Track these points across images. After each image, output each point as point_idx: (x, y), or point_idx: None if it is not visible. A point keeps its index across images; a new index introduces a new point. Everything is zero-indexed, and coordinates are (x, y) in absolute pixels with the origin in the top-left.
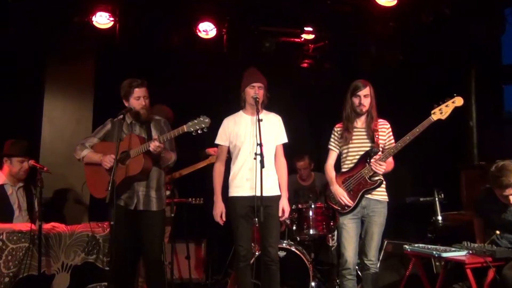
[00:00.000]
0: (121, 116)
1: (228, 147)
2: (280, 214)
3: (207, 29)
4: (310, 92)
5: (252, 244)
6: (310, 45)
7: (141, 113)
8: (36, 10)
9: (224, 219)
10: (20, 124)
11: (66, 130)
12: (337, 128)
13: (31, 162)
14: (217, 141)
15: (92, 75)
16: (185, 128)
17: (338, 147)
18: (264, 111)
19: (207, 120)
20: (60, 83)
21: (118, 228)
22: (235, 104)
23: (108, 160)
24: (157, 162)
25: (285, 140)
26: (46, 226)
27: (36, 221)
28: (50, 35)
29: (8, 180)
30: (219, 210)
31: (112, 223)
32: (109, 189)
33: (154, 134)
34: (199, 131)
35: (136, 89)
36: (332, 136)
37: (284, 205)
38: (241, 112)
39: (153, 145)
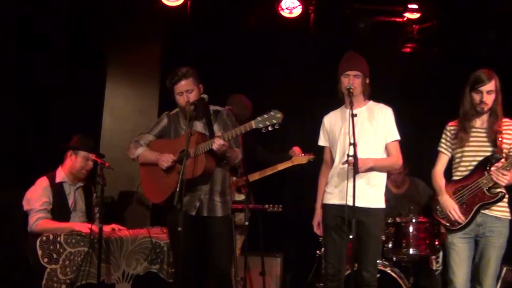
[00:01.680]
0: (192, 107)
1: (330, 148)
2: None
3: (291, 7)
4: (413, 81)
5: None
6: (414, 25)
7: (186, 109)
8: None
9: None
10: (79, 114)
11: (129, 121)
12: (450, 127)
13: (92, 156)
14: (319, 143)
15: (158, 59)
16: (253, 124)
17: (450, 150)
18: (370, 102)
19: (279, 115)
20: (123, 68)
21: (184, 236)
22: (322, 94)
23: (166, 160)
24: (221, 162)
25: (397, 137)
26: (107, 228)
27: (95, 223)
28: (111, 15)
29: (68, 178)
30: (316, 219)
31: (179, 229)
32: (177, 189)
33: (217, 129)
34: (269, 128)
35: (176, 85)
36: (444, 136)
37: (364, 160)
38: (342, 107)
39: (217, 144)
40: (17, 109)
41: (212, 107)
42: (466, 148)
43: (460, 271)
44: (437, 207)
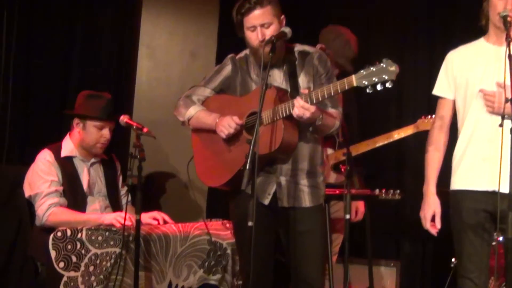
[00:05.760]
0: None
1: (454, 101)
2: None
3: None
4: None
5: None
6: None
7: (260, 52)
8: None
9: (439, 226)
10: (104, 58)
11: (175, 68)
12: None
13: (124, 118)
14: (435, 91)
15: None
16: (353, 80)
17: None
18: None
19: (392, 68)
20: None
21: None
22: (463, 32)
23: (227, 125)
24: (308, 131)
25: None
26: (146, 219)
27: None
28: None
29: (78, 152)
30: (430, 209)
31: (250, 223)
32: (247, 166)
33: (304, 81)
34: (378, 87)
35: (247, 17)
36: None
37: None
38: (481, 40)
39: (298, 109)
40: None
41: (298, 47)
42: None
43: None
44: None
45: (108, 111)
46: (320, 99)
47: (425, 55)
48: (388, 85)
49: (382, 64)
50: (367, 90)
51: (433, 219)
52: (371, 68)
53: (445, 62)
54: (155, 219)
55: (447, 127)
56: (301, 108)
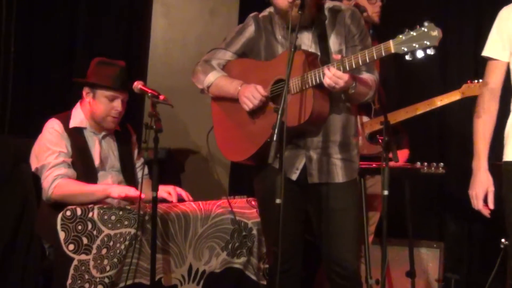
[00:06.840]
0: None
1: (509, 64)
2: None
3: None
4: None
5: None
6: None
7: (289, 13)
8: None
9: (492, 206)
10: (114, 18)
11: (192, 28)
12: None
13: (138, 84)
14: (485, 52)
15: None
16: (391, 46)
17: None
18: None
19: (435, 33)
20: None
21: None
22: None
23: (251, 96)
24: (340, 99)
25: None
26: (163, 193)
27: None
28: None
29: (89, 123)
30: (482, 187)
31: (278, 201)
32: (274, 138)
33: (335, 44)
34: (417, 53)
35: None
36: None
37: None
38: None
39: (330, 78)
40: None
41: (328, 3)
42: None
43: None
44: None
45: (121, 80)
46: (354, 66)
47: (470, 10)
48: (429, 51)
49: (423, 28)
50: (407, 57)
51: (485, 199)
52: (411, 33)
53: (499, 19)
54: (169, 194)
55: (498, 93)
56: (333, 77)
